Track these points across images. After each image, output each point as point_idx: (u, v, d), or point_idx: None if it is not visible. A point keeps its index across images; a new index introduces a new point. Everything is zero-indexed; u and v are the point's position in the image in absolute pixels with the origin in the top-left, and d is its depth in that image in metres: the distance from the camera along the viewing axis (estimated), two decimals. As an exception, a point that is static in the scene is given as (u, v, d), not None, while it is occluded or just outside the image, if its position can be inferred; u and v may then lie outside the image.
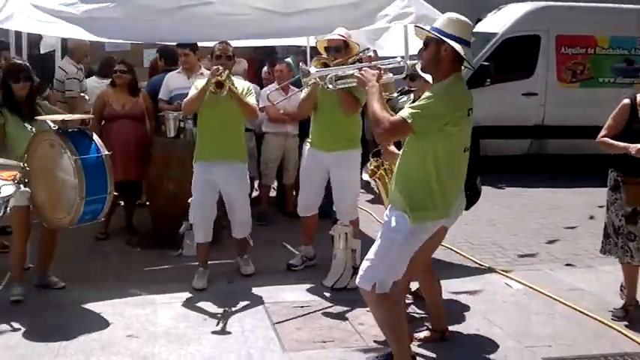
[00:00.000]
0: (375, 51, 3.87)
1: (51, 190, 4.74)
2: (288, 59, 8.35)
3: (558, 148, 11.15)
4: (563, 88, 11.02)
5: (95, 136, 4.92)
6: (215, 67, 5.18)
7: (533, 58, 10.96)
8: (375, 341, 4.28)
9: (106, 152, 4.80)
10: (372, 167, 4.50)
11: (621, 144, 4.57)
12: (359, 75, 3.69)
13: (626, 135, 4.63)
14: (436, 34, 3.44)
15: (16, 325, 4.39)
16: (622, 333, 4.47)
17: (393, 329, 3.67)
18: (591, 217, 7.91)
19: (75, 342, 4.18)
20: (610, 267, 5.98)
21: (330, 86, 4.12)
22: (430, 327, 4.38)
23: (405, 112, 3.42)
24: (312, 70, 3.97)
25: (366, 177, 4.58)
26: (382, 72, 3.81)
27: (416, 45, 6.55)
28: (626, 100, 4.73)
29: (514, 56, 10.80)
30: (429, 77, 4.17)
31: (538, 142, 11.04)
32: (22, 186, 4.29)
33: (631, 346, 4.30)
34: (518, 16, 11.03)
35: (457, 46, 3.41)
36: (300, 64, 4.47)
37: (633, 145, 4.47)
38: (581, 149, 11.03)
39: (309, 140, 5.67)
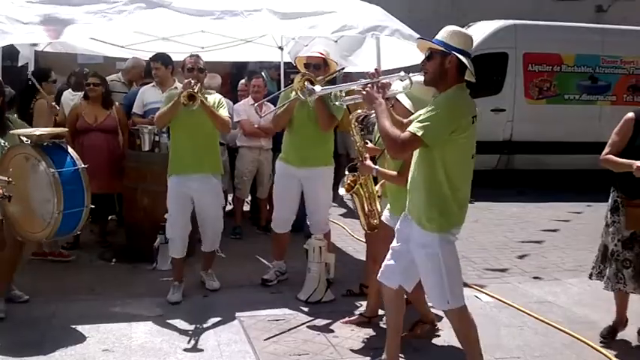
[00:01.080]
0: (376, 69, 3.94)
1: (25, 204, 4.72)
2: (262, 73, 8.44)
3: (526, 164, 11.41)
4: (530, 104, 11.30)
5: (70, 149, 4.94)
6: (187, 80, 5.24)
7: (501, 75, 11.22)
8: (351, 351, 4.38)
9: (83, 165, 4.82)
10: (349, 182, 4.59)
11: (625, 161, 4.25)
12: (364, 92, 3.73)
13: (628, 152, 4.34)
14: (441, 46, 3.52)
15: (-10, 340, 4.38)
16: (589, 345, 4.61)
17: (472, 341, 3.81)
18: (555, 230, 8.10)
19: (50, 357, 4.17)
20: (575, 280, 6.21)
21: (337, 103, 4.19)
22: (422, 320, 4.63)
23: (413, 127, 3.49)
24: (317, 88, 4.02)
25: (342, 191, 4.65)
26: (387, 87, 3.87)
27: (388, 61, 6.76)
28: (630, 114, 4.43)
29: (482, 73, 10.89)
30: (405, 101, 4.30)
31: (506, 157, 11.28)
32: (6, 201, 4.29)
33: (598, 358, 4.44)
34: (487, 33, 11.26)
35: (463, 58, 3.49)
36: (306, 83, 4.51)
37: (638, 161, 4.16)
38: (548, 165, 11.36)
39: (282, 155, 5.73)
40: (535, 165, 11.39)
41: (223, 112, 5.42)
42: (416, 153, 3.67)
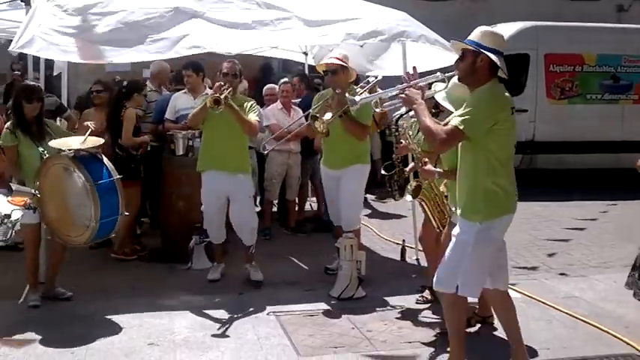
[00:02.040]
0: (414, 68, 4.09)
1: (64, 210, 4.99)
2: (285, 79, 8.62)
3: (548, 163, 11.48)
4: (552, 104, 11.36)
5: (106, 160, 5.18)
6: (218, 83, 5.49)
7: (523, 76, 11.29)
8: (384, 343, 4.56)
9: (118, 176, 5.08)
10: (413, 188, 4.76)
11: None
12: (403, 96, 3.88)
13: None
14: (473, 45, 3.72)
15: (41, 334, 4.61)
16: (616, 337, 4.73)
17: (459, 332, 3.98)
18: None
19: (99, 350, 4.40)
20: (601, 276, 6.31)
21: (377, 110, 4.36)
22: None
23: (455, 121, 3.67)
24: (358, 99, 4.22)
25: (409, 198, 4.83)
26: (424, 88, 4.05)
27: (414, 65, 6.90)
28: None
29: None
30: (446, 104, 4.48)
31: (529, 157, 11.34)
32: (31, 212, 4.52)
33: (625, 349, 4.56)
34: (508, 35, 11.27)
35: (493, 57, 3.68)
36: (347, 95, 4.65)
37: None
38: (571, 164, 11.41)
39: (322, 159, 6.09)
40: (558, 165, 11.45)
41: (252, 117, 5.65)
42: (460, 146, 3.85)
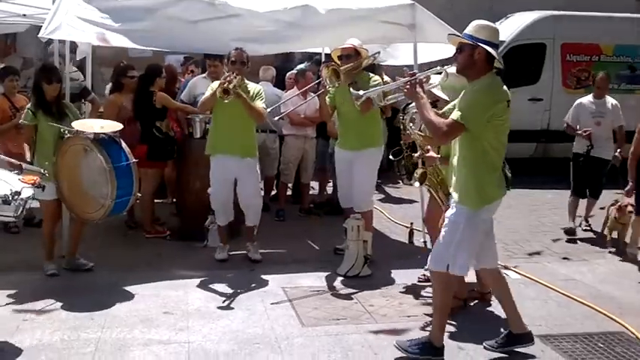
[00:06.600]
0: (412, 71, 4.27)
1: (80, 187, 5.36)
2: (302, 66, 8.85)
3: (563, 152, 11.54)
4: (568, 94, 11.40)
5: (123, 144, 5.50)
6: (227, 73, 5.77)
7: (539, 65, 11.40)
8: (384, 317, 4.82)
9: (134, 160, 5.42)
10: (419, 175, 5.01)
11: None
12: (406, 90, 4.07)
13: None
14: (469, 40, 3.93)
15: (64, 303, 4.94)
16: (607, 316, 4.94)
17: (442, 309, 4.17)
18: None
19: (117, 317, 4.72)
20: (603, 260, 6.49)
21: (381, 103, 4.49)
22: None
23: (456, 115, 3.88)
24: (361, 92, 4.43)
25: (417, 185, 5.10)
26: (424, 81, 4.23)
27: (425, 53, 7.12)
28: None
29: (521, 63, 11.21)
30: (439, 93, 4.73)
31: (543, 145, 11.46)
32: (40, 190, 4.82)
33: (614, 327, 4.77)
34: (525, 24, 11.48)
35: (489, 49, 3.89)
36: (351, 89, 4.84)
37: None
38: (585, 153, 11.47)
39: (337, 140, 6.34)
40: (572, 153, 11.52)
41: (259, 104, 5.95)
42: (458, 141, 4.06)
